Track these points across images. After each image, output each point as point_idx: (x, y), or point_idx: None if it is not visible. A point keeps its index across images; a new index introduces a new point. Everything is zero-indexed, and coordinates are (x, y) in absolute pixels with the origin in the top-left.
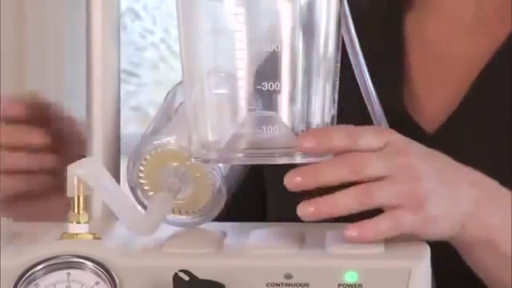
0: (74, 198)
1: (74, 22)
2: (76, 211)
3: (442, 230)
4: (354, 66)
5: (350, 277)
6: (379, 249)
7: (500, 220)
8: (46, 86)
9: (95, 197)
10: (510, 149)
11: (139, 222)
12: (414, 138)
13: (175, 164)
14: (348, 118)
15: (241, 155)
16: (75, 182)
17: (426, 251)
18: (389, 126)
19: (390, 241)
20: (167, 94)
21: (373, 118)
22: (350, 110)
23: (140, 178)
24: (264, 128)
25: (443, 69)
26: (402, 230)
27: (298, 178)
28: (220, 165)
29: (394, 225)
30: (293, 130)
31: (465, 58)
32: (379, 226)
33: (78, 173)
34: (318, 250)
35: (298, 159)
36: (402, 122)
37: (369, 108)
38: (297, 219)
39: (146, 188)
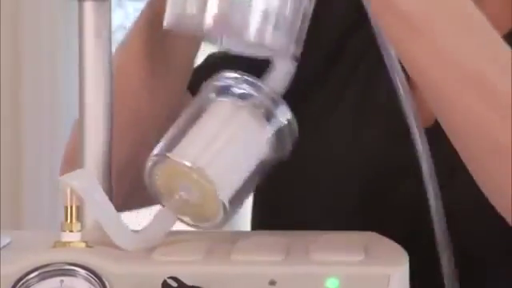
0: (67, 208)
1: (68, 22)
2: (69, 220)
3: None
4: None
5: (332, 283)
6: (360, 256)
7: None
8: (41, 89)
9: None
10: None
11: (124, 237)
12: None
13: (185, 179)
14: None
15: None
16: (68, 193)
17: (405, 258)
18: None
19: (370, 248)
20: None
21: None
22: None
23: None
24: None
25: None
26: None
27: None
28: (232, 180)
29: None
30: None
31: None
32: None
33: (70, 184)
34: (301, 258)
35: None
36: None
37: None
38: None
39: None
